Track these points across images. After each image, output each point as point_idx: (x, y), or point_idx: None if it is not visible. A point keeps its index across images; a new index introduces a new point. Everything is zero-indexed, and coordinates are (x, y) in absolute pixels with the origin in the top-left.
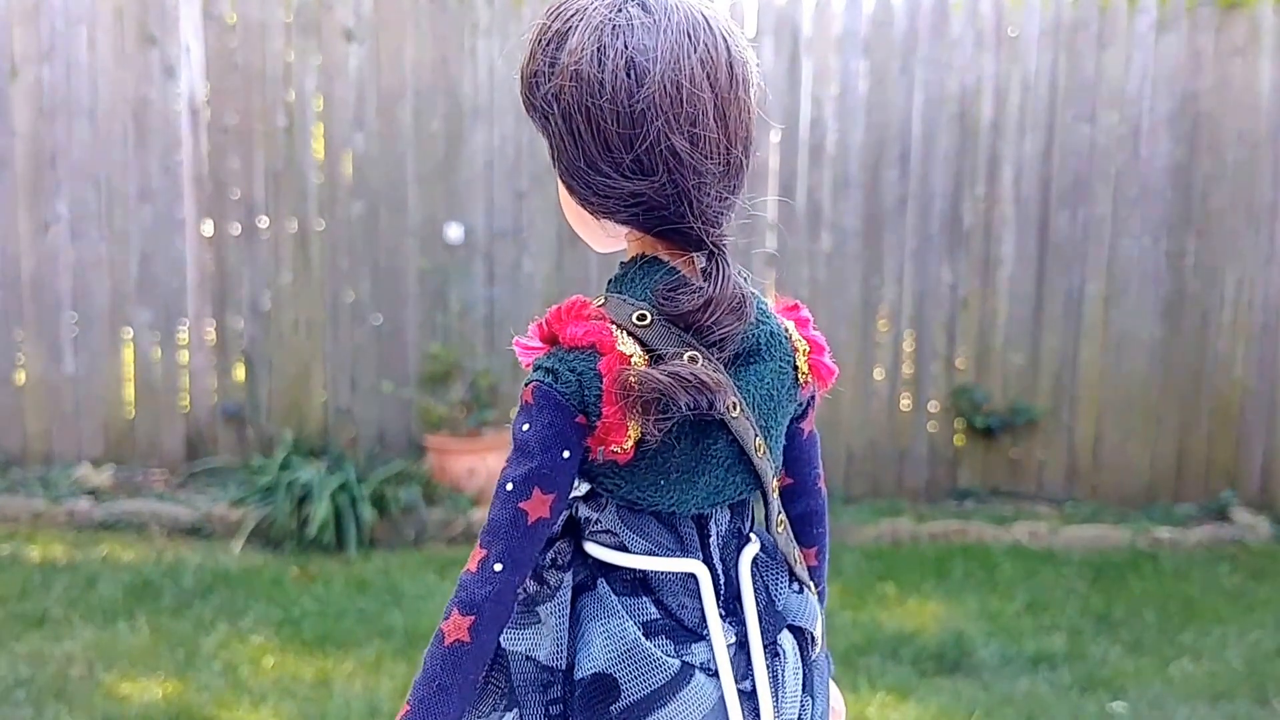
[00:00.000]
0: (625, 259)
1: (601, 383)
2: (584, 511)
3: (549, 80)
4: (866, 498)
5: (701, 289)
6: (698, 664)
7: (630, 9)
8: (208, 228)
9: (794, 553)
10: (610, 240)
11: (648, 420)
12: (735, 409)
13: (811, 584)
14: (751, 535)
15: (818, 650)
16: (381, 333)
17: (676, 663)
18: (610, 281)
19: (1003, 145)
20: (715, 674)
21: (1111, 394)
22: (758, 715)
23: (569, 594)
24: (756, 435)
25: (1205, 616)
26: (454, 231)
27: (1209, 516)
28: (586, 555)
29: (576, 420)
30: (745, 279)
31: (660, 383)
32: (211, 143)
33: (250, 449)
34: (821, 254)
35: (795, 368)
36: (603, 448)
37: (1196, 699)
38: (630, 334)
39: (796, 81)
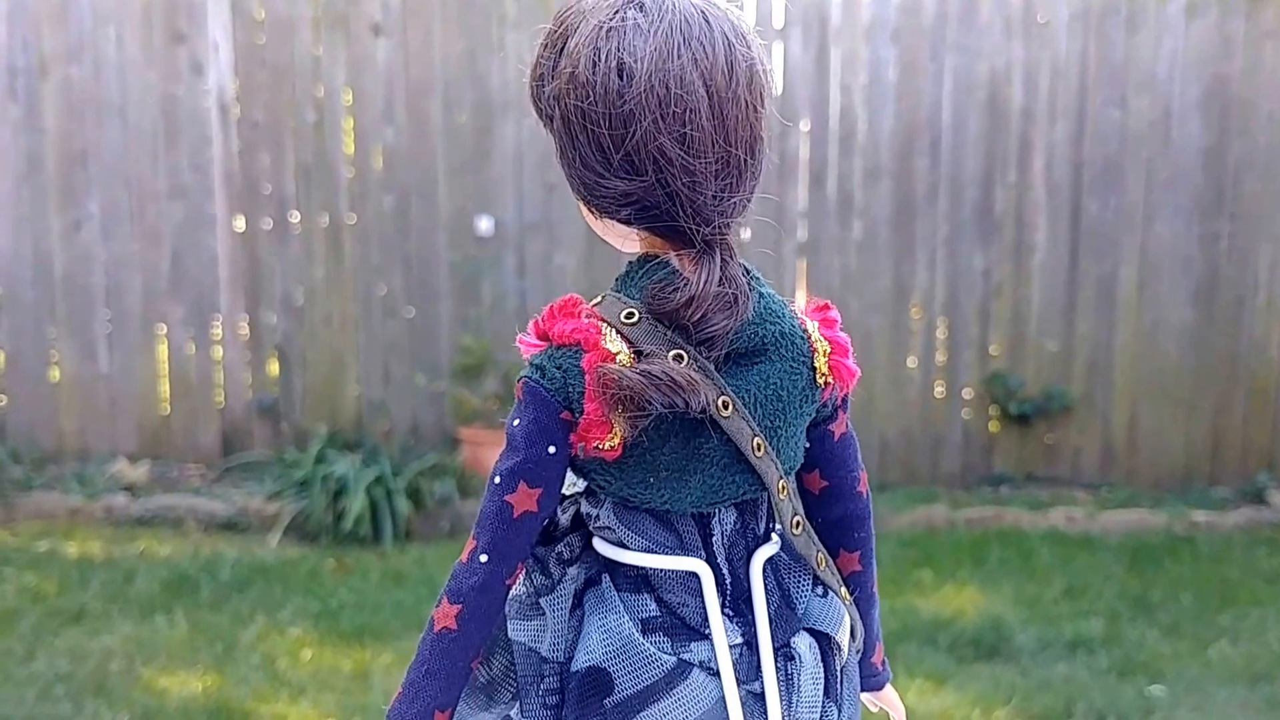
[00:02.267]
0: (634, 258)
1: (585, 379)
2: (585, 508)
3: (550, 83)
4: (901, 485)
5: (686, 286)
6: (696, 662)
7: (628, 11)
8: (239, 224)
9: (816, 555)
10: (624, 240)
11: (624, 418)
12: (727, 408)
13: (843, 588)
14: (774, 536)
15: (844, 657)
16: (414, 326)
17: (672, 659)
18: (615, 280)
19: (1033, 131)
20: (717, 673)
21: (1146, 379)
22: (767, 718)
23: (571, 588)
24: (755, 435)
25: (1243, 599)
26: (484, 224)
27: (1245, 500)
28: (596, 551)
29: (561, 416)
30: (754, 278)
31: (632, 380)
32: (241, 139)
33: (285, 443)
34: (853, 242)
35: (813, 368)
36: (583, 444)
37: (1235, 681)
38: (619, 332)
39: (826, 71)
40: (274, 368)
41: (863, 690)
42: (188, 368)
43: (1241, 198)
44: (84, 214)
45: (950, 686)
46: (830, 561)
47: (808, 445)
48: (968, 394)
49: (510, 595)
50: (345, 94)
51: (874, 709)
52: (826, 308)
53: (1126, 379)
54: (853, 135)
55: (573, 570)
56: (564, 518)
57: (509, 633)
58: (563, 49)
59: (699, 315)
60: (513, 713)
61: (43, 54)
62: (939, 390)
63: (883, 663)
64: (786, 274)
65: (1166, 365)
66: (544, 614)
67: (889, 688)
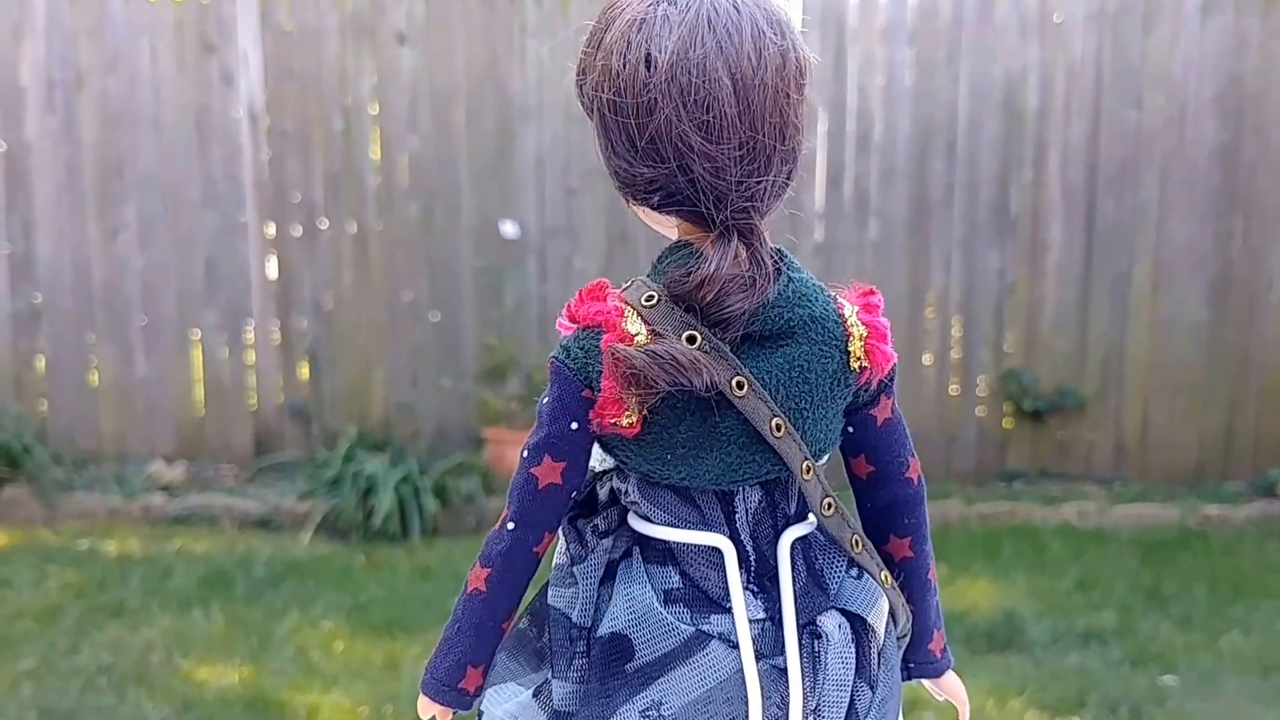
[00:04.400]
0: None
1: (603, 359)
2: (616, 483)
3: (590, 76)
4: None
5: (699, 269)
6: (716, 634)
7: (661, 5)
8: (270, 231)
9: (850, 538)
10: (663, 226)
11: (634, 395)
12: (742, 389)
13: (883, 572)
14: (810, 517)
15: (880, 639)
16: (439, 330)
17: (690, 629)
18: (651, 265)
19: (1049, 131)
20: (737, 645)
21: (1159, 376)
22: (789, 692)
23: (603, 558)
24: (774, 416)
25: (1255, 591)
26: (510, 228)
27: (1257, 493)
28: (630, 525)
29: (583, 394)
30: (787, 263)
31: (636, 359)
32: (271, 148)
33: (316, 443)
34: (869, 243)
35: (847, 353)
36: (600, 420)
37: (1247, 672)
38: (640, 314)
39: (843, 72)
40: (305, 371)
41: (923, 677)
42: (221, 371)
43: (1256, 196)
44: (120, 223)
45: (965, 677)
46: (867, 544)
47: (851, 430)
48: (982, 391)
49: (554, 564)
50: (372, 103)
51: (939, 698)
52: (870, 293)
53: (1140, 376)
54: (869, 136)
55: (606, 542)
56: (603, 492)
57: (548, 599)
58: (601, 43)
59: (710, 296)
60: (549, 674)
61: (79, 67)
62: (954, 388)
63: (943, 650)
64: None
65: (1180, 362)
66: (576, 582)
67: (951, 675)
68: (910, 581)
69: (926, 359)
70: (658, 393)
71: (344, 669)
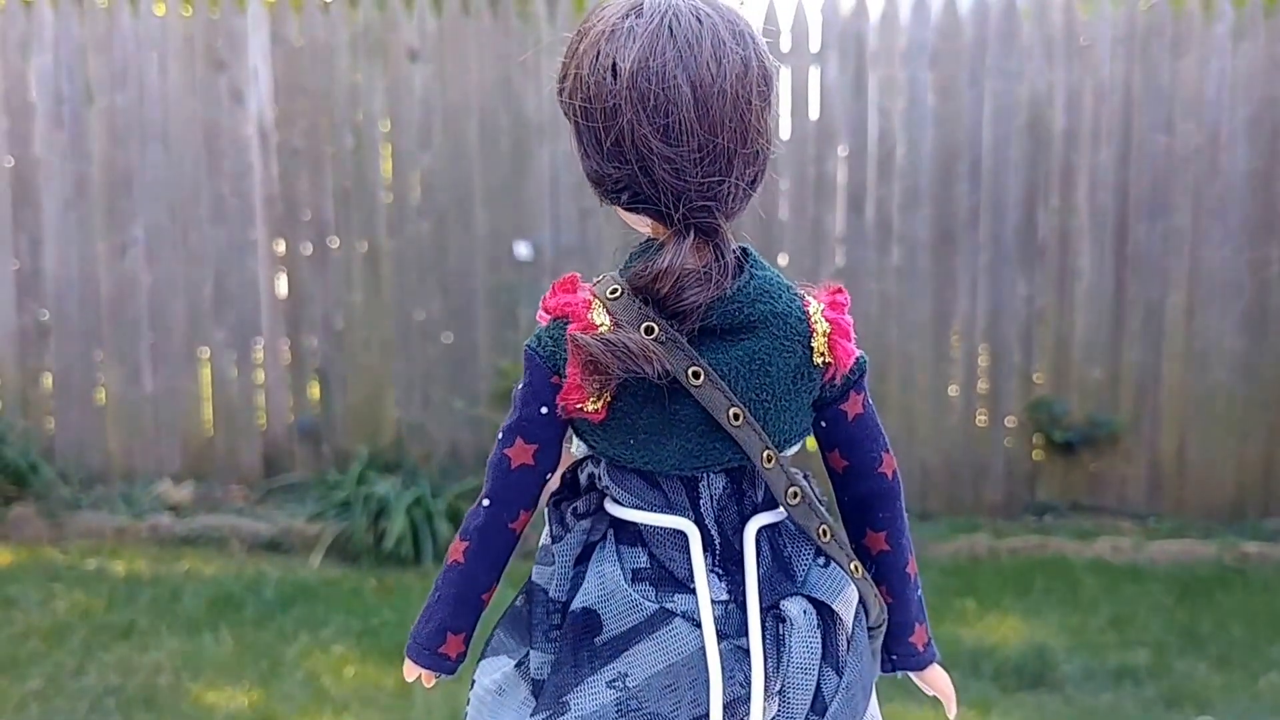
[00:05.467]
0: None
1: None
2: (589, 467)
3: (567, 83)
4: (943, 514)
5: (655, 263)
6: (680, 612)
7: (628, 16)
8: (280, 248)
9: (818, 527)
10: (639, 224)
11: (592, 381)
12: (698, 378)
13: (853, 562)
14: (781, 506)
15: (847, 628)
16: (452, 350)
17: (654, 606)
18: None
19: (1077, 155)
20: (700, 624)
21: (1195, 406)
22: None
23: (580, 538)
24: (732, 406)
25: None
26: (523, 249)
27: None
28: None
29: (551, 380)
30: (753, 260)
31: (592, 347)
32: (281, 165)
33: (326, 464)
34: (892, 268)
35: (810, 348)
36: (564, 405)
37: None
38: (605, 306)
39: (863, 94)
40: (315, 391)
41: (906, 669)
42: (230, 390)
43: None
44: (129, 238)
45: (995, 715)
46: (837, 534)
47: (824, 425)
48: (1010, 422)
49: (540, 545)
50: (383, 119)
51: (928, 692)
52: (838, 291)
53: (1175, 406)
54: (891, 159)
55: (585, 524)
56: (583, 477)
57: (532, 575)
58: (576, 52)
59: (666, 289)
60: (530, 646)
61: (88, 81)
62: (981, 418)
63: (925, 644)
64: None
65: (1216, 392)
66: (554, 560)
67: (935, 669)
68: (889, 574)
69: (952, 389)
70: (613, 379)
71: (355, 694)
